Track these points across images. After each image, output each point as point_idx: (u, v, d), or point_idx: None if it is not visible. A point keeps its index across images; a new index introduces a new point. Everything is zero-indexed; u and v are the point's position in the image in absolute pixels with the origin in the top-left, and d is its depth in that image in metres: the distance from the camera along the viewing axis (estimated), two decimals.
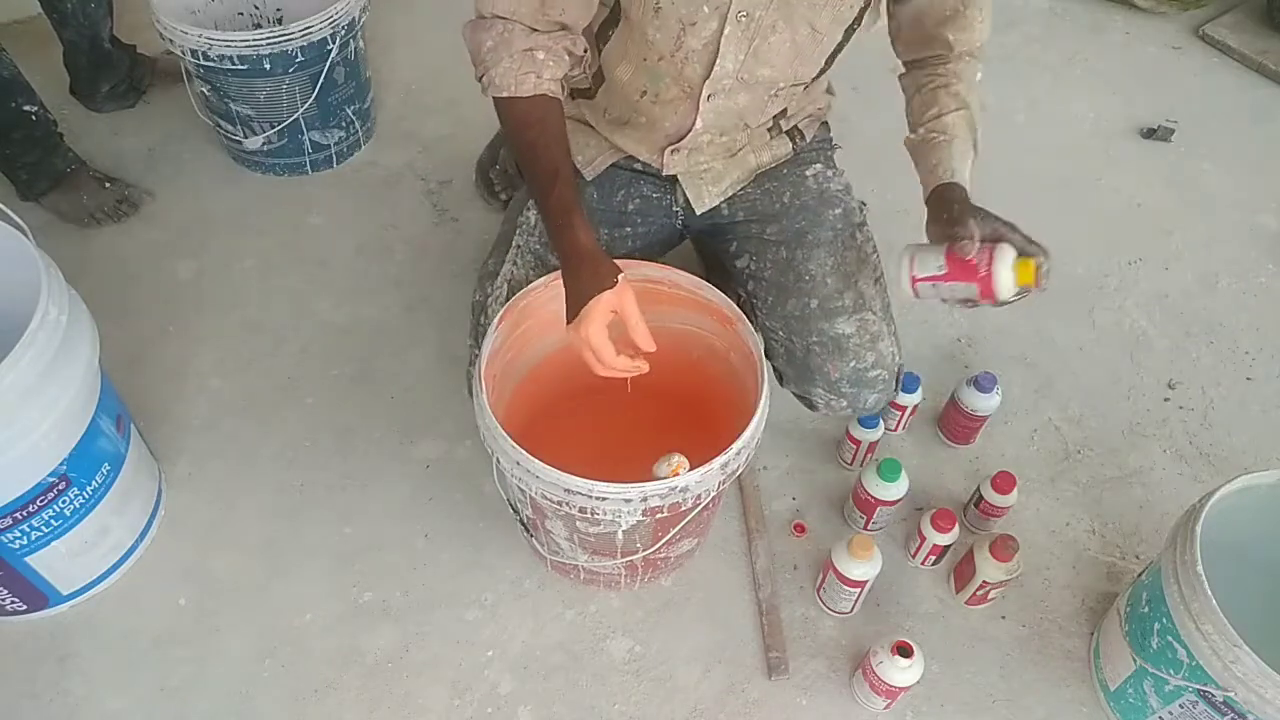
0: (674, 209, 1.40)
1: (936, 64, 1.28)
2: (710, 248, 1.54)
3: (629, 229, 1.38)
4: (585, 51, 1.19)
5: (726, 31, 1.13)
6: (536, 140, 1.14)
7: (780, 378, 1.38)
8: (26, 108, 1.53)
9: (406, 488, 1.49)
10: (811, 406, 1.37)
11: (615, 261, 1.10)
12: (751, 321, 1.26)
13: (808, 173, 1.38)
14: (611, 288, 1.06)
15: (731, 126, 1.29)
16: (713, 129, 1.28)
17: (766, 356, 1.35)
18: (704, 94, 1.21)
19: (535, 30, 1.12)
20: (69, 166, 1.70)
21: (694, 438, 1.16)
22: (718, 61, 1.16)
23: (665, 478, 1.08)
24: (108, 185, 1.76)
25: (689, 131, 1.27)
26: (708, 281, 1.27)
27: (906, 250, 1.19)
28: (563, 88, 1.17)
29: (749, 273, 1.37)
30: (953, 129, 1.24)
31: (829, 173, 1.40)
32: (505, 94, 1.13)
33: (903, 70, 1.32)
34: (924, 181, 1.23)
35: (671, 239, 1.46)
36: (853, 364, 1.29)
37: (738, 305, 1.25)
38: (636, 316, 1.07)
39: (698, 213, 1.38)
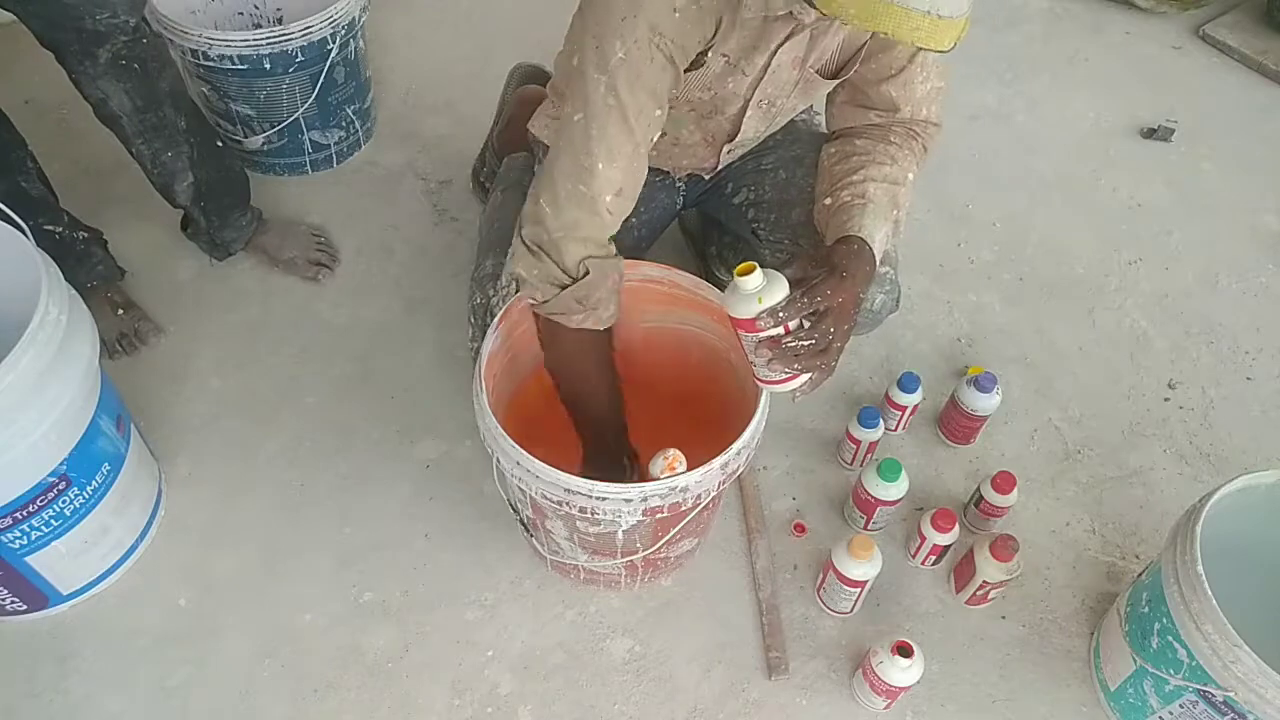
0: (676, 184, 1.43)
1: (873, 137, 1.19)
2: (704, 207, 1.55)
3: (633, 219, 1.39)
4: None
5: (749, 114, 1.20)
6: (590, 373, 1.16)
7: None
8: (48, 227, 1.47)
9: (406, 488, 1.49)
10: None
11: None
12: (755, 249, 1.30)
13: (796, 119, 1.41)
14: None
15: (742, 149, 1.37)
16: (732, 156, 1.36)
17: None
18: (724, 149, 1.28)
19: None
20: (89, 283, 1.57)
21: (694, 438, 1.16)
22: (740, 134, 1.23)
23: (662, 474, 1.08)
24: (120, 313, 1.62)
25: (707, 166, 1.34)
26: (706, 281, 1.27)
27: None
28: None
29: (749, 202, 1.39)
30: (872, 195, 1.13)
31: (816, 118, 1.44)
32: (607, 325, 1.13)
33: (831, 139, 1.26)
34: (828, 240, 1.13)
35: (671, 214, 1.49)
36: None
37: (731, 258, 1.26)
38: None
39: (707, 180, 1.41)
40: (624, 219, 1.08)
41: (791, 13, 1.03)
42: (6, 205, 1.17)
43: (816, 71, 1.17)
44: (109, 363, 1.59)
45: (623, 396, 1.19)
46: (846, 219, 1.11)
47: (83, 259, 1.55)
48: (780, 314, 0.97)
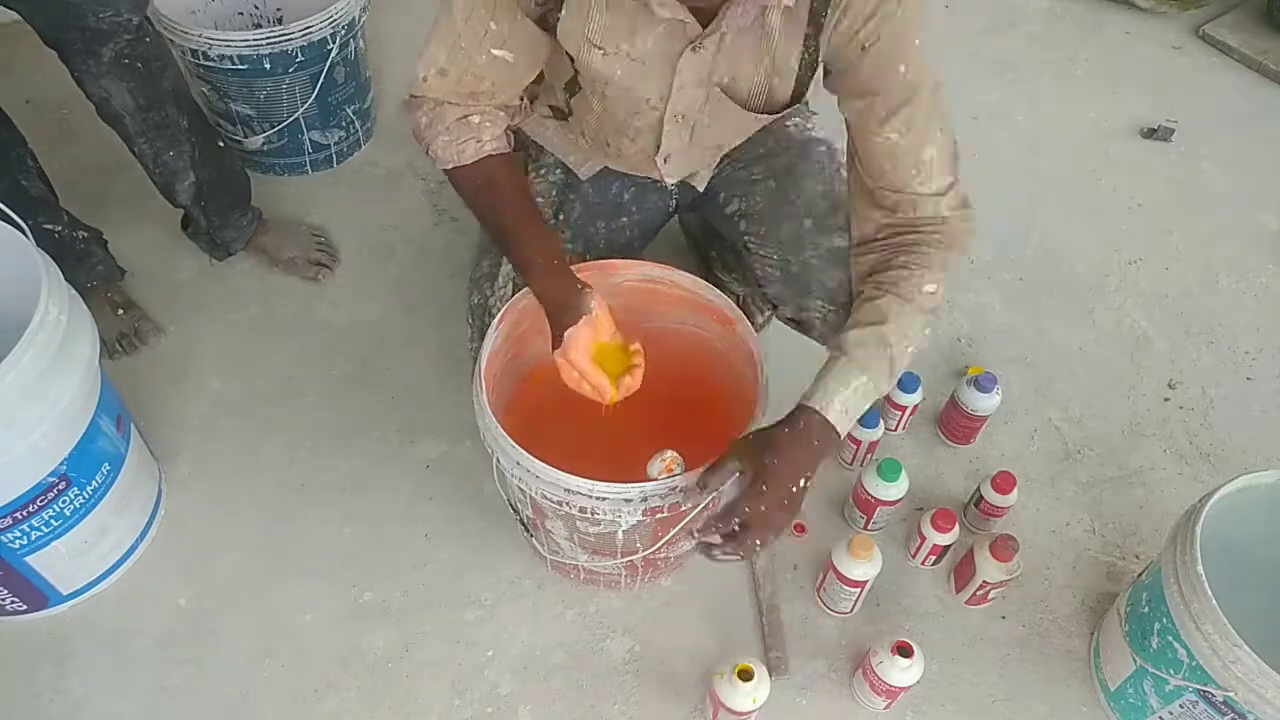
0: (668, 187, 1.42)
1: (883, 252, 1.14)
2: (702, 213, 1.54)
3: (624, 219, 1.40)
4: (521, 100, 1.24)
5: (666, 129, 1.20)
6: (487, 204, 1.18)
7: (775, 306, 1.36)
8: (48, 226, 1.47)
9: (406, 488, 1.49)
10: (809, 328, 1.32)
11: (586, 292, 1.13)
12: (746, 261, 1.28)
13: (787, 124, 1.39)
14: (585, 314, 1.12)
15: (703, 165, 1.35)
16: (681, 169, 1.33)
17: (760, 286, 1.35)
18: (660, 159, 1.26)
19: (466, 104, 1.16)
20: (89, 283, 1.56)
21: (694, 438, 1.16)
22: (662, 144, 1.23)
23: (659, 476, 1.08)
24: (120, 313, 1.62)
25: (654, 178, 1.34)
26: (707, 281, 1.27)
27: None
28: (508, 139, 1.20)
29: (740, 213, 1.37)
30: (849, 346, 1.07)
31: (808, 123, 1.41)
32: (450, 165, 1.17)
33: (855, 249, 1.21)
34: None
35: (663, 216, 1.48)
36: (850, 273, 1.26)
37: (732, 261, 1.25)
38: (610, 331, 1.15)
39: (700, 190, 1.40)
40: (459, 96, 1.16)
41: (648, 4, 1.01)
42: (6, 204, 1.17)
43: (736, 99, 1.14)
44: (109, 363, 1.59)
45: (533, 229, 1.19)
46: (815, 380, 1.07)
47: (83, 259, 1.55)
48: (696, 533, 1.03)
